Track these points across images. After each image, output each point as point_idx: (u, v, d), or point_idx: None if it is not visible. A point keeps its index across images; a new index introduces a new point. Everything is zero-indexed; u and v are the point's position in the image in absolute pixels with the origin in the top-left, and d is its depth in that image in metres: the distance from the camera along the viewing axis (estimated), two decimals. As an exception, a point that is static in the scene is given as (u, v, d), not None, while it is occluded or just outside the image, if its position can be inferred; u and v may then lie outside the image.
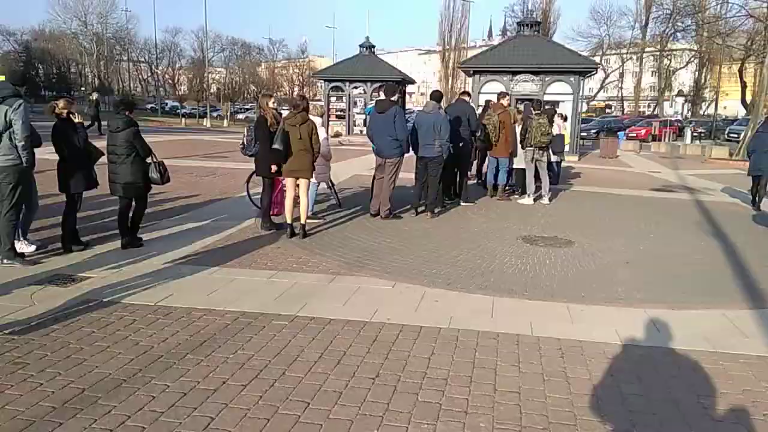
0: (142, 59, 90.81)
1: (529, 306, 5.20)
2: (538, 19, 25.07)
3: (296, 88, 78.48)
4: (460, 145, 9.75)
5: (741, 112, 56.38)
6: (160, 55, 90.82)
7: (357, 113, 32.80)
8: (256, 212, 8.87)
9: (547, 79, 22.87)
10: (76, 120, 6.38)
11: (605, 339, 4.45)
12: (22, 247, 6.44)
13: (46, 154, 6.97)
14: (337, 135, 29.57)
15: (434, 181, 9.05)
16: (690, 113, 57.90)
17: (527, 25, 24.76)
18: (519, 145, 10.50)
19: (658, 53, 60.38)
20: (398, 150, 8.53)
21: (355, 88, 32.44)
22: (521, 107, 12.39)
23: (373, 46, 33.97)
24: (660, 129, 35.23)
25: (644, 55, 61.25)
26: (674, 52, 60.65)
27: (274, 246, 7.21)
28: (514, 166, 10.88)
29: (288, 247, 7.16)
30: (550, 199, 10.68)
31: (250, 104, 69.04)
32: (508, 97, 11.24)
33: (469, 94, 10.97)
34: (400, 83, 33.23)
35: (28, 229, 6.79)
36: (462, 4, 72.59)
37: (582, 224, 8.90)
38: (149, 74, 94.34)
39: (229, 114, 50.13)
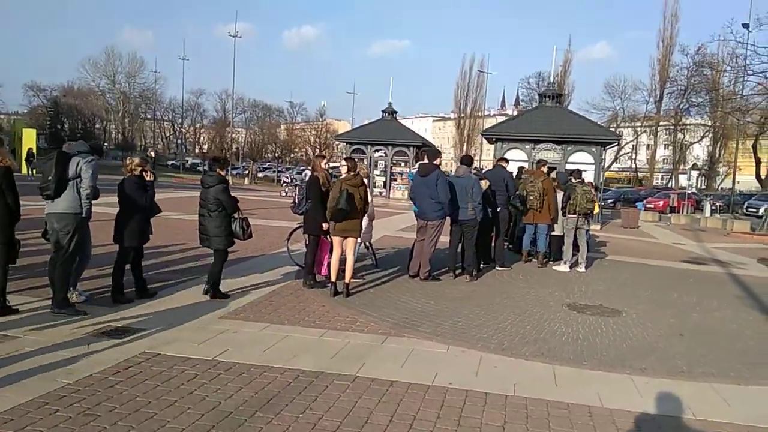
0: (166, 118, 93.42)
1: (591, 376, 5.10)
2: (558, 91, 25.39)
3: (316, 150, 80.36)
4: (498, 209, 9.82)
5: (754, 186, 56.58)
6: (184, 114, 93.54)
7: (377, 175, 33.24)
8: (296, 269, 8.90)
9: (569, 148, 23.17)
10: (148, 177, 6.57)
11: (678, 414, 4.34)
12: (72, 297, 6.48)
13: (99, 207, 7.11)
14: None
15: (470, 244, 9.08)
16: (705, 186, 58.21)
17: (549, 96, 25.28)
18: (560, 212, 10.55)
19: (672, 127, 61.30)
20: (440, 212, 8.60)
21: (377, 151, 33.00)
22: (554, 174, 12.51)
23: (395, 112, 34.78)
24: (678, 201, 35.28)
25: (658, 128, 62.12)
26: (688, 127, 61.54)
27: (320, 304, 7.19)
28: (553, 233, 10.90)
29: (333, 306, 7.13)
30: (585, 267, 10.63)
31: (269, 163, 70.35)
32: (547, 165, 11.43)
33: (506, 161, 11.12)
34: (420, 147, 33.87)
35: (79, 280, 6.83)
36: (478, 75, 74.84)
37: (624, 294, 8.81)
38: (171, 132, 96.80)
39: (255, 172, 50.91)
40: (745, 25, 30.02)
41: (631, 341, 6.25)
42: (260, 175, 57.74)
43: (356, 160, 8.28)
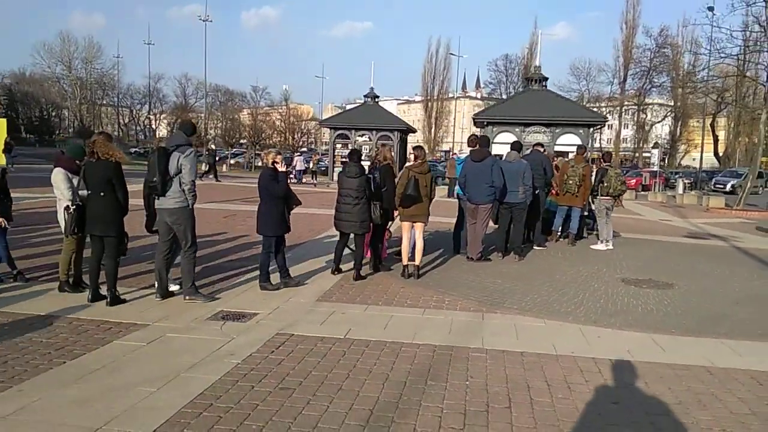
0: (124, 104, 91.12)
1: (687, 342, 5.65)
2: (546, 75, 26.09)
3: (289, 134, 79.77)
4: (535, 192, 10.34)
5: (710, 163, 58.97)
6: (143, 100, 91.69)
7: (363, 160, 33.40)
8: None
9: (557, 130, 23.99)
10: (281, 169, 6.84)
11: (786, 370, 4.94)
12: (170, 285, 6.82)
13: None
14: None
15: (519, 226, 9.60)
16: (666, 164, 60.48)
17: (535, 80, 26.01)
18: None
19: (635, 107, 63.29)
20: (492, 196, 9.05)
21: (361, 135, 33.19)
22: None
23: (377, 96, 35.01)
24: (651, 179, 36.71)
25: (623, 108, 64.02)
26: (651, 106, 63.68)
27: (398, 286, 7.58)
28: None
29: (411, 287, 7.53)
30: (613, 245, 11.25)
31: (234, 150, 69.26)
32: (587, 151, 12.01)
33: (542, 145, 11.66)
34: (404, 131, 34.27)
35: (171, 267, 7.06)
36: (445, 58, 75.36)
37: (662, 268, 9.40)
38: (130, 119, 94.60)
39: (249, 159, 49.93)
40: (710, 8, 31.12)
41: (699, 310, 6.86)
42: (232, 161, 57.01)
43: (423, 147, 8.65)
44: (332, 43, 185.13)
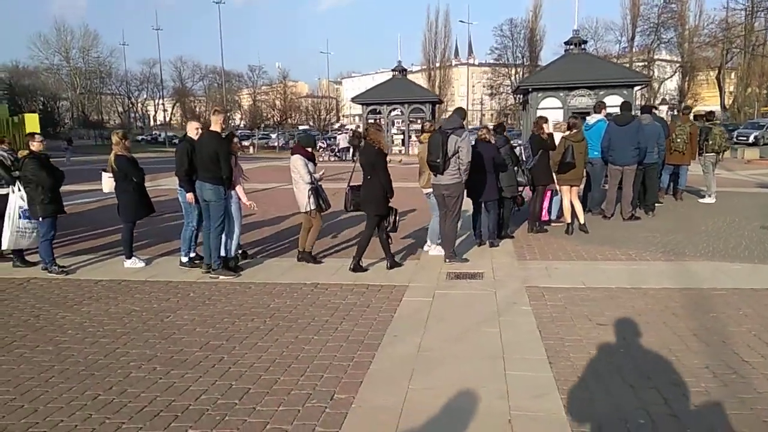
0: (122, 92, 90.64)
1: None
2: (584, 38, 26.57)
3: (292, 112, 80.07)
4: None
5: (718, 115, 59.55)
6: (141, 87, 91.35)
7: (395, 134, 34.06)
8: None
9: (601, 92, 24.57)
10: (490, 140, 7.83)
11: None
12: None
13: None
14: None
15: (653, 184, 10.41)
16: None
17: (574, 44, 26.52)
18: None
19: (644, 64, 63.68)
20: (637, 158, 9.67)
21: (393, 110, 33.74)
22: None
23: (405, 70, 35.42)
24: (675, 135, 37.30)
25: (632, 66, 64.44)
26: (659, 63, 64.09)
27: (572, 245, 8.28)
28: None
29: (583, 245, 8.22)
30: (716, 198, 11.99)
31: (243, 130, 69.11)
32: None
33: (655, 107, 12.34)
34: (436, 103, 34.78)
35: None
36: (445, 25, 75.49)
37: (777, 214, 10.24)
38: (130, 106, 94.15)
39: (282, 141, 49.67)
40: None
41: None
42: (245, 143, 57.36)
43: (577, 119, 9.28)
44: (320, 18, 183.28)
